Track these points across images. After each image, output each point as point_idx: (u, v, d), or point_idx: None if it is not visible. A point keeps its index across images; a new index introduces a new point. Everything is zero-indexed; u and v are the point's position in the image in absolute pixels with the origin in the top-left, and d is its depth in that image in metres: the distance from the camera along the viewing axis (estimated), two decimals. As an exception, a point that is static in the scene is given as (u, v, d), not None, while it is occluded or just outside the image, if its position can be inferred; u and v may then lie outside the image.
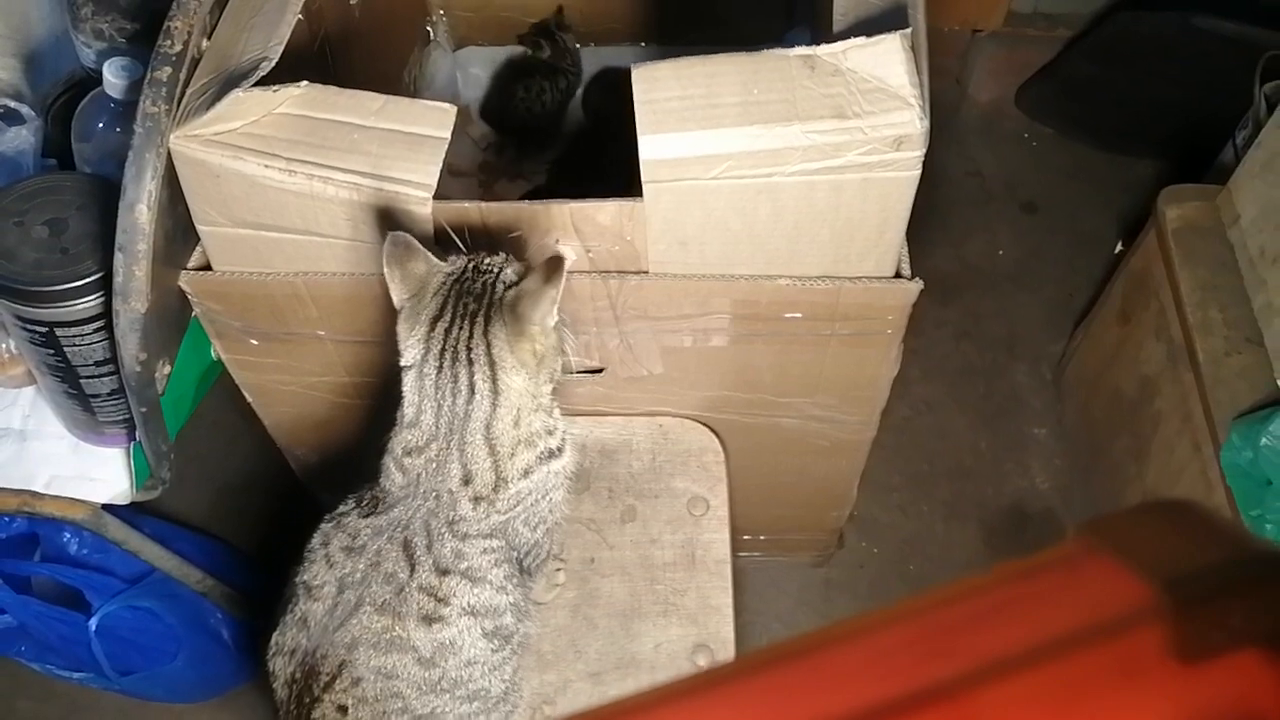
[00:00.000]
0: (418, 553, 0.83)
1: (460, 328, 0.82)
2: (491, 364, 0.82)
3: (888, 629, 0.29)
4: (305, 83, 0.88)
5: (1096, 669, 0.26)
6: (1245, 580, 0.27)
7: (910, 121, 0.82)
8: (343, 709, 0.83)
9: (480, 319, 0.82)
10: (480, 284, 0.83)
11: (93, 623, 1.17)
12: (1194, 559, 0.28)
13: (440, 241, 0.89)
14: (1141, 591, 0.27)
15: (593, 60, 1.80)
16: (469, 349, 0.82)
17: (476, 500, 0.83)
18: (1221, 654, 0.26)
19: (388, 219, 0.90)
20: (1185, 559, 0.28)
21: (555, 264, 0.81)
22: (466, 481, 0.83)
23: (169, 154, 0.87)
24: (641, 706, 0.28)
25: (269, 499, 1.57)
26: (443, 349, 0.82)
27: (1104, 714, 0.25)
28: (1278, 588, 0.27)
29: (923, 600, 0.29)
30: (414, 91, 1.69)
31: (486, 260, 0.85)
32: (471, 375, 0.82)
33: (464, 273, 0.84)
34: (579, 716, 0.28)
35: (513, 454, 0.84)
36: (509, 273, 0.84)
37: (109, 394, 1.02)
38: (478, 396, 0.82)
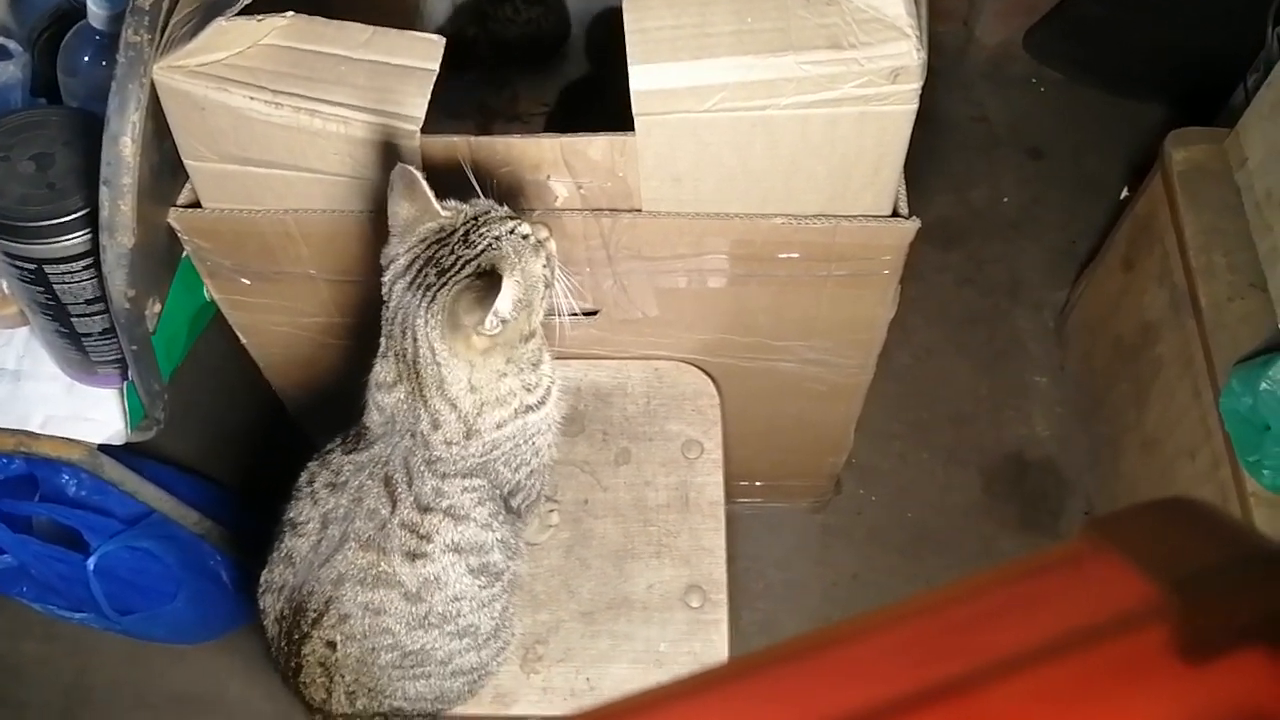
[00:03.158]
0: (399, 489, 0.83)
1: (413, 294, 0.79)
2: (430, 344, 0.79)
3: (892, 627, 0.29)
4: (291, 13, 0.87)
5: (1102, 668, 0.26)
6: (1251, 579, 0.27)
7: (907, 53, 0.80)
8: (331, 644, 0.84)
9: (430, 294, 0.79)
10: (454, 259, 0.79)
11: (91, 562, 1.18)
12: (1200, 558, 0.28)
13: (442, 175, 0.87)
14: (1147, 590, 0.27)
15: (594, 1, 1.77)
16: (414, 317, 0.79)
17: (449, 444, 0.82)
18: (1227, 653, 0.25)
19: (377, 153, 0.89)
20: (1191, 558, 0.28)
21: (493, 282, 0.76)
22: (436, 427, 0.82)
23: (153, 85, 0.86)
24: (644, 706, 0.27)
25: (268, 441, 1.57)
26: (398, 304, 0.80)
27: (1109, 713, 0.25)
28: None
29: (928, 599, 0.29)
30: (412, 25, 1.67)
31: (483, 229, 0.80)
32: (416, 342, 0.80)
33: (450, 235, 0.80)
34: (580, 717, 0.28)
35: (479, 413, 0.82)
36: (487, 259, 0.78)
37: (100, 333, 1.01)
38: (422, 363, 0.80)
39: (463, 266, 0.79)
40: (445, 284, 0.79)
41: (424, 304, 0.79)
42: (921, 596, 0.29)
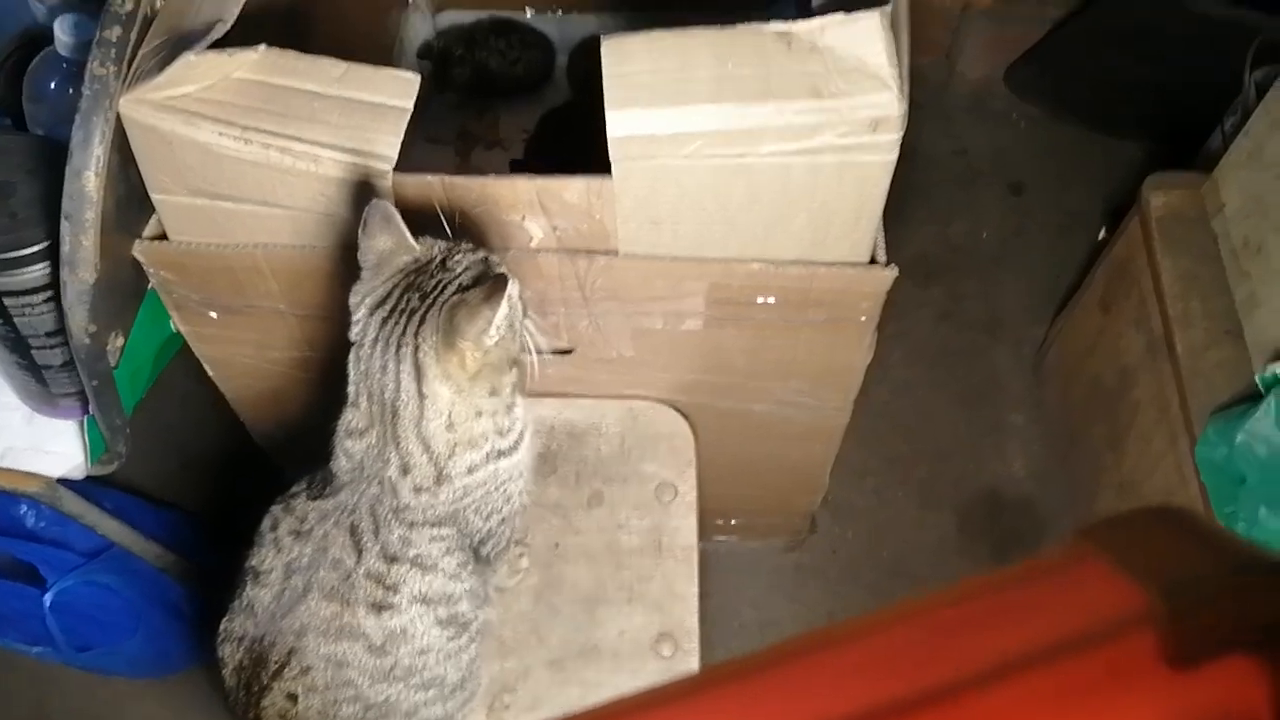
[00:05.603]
0: (364, 539, 0.81)
1: (396, 321, 0.79)
2: (417, 367, 0.78)
3: (883, 633, 0.29)
4: (263, 46, 0.85)
5: (1090, 674, 0.26)
6: (1238, 586, 0.27)
7: (888, 103, 0.79)
8: (292, 697, 0.81)
9: (416, 318, 0.78)
10: (435, 282, 0.79)
11: (47, 598, 1.15)
12: (1188, 565, 0.28)
13: (413, 215, 0.86)
14: (1135, 597, 0.27)
15: (577, 28, 1.77)
16: (399, 345, 0.78)
17: (418, 490, 0.81)
18: (1214, 660, 0.26)
19: (349, 191, 0.87)
20: (1179, 565, 0.28)
21: (498, 284, 0.76)
22: (405, 472, 0.80)
23: (119, 118, 0.84)
24: (639, 707, 0.28)
25: (240, 472, 1.54)
26: (376, 338, 0.79)
27: (1097, 719, 0.25)
28: (1270, 594, 0.27)
29: (918, 604, 0.29)
30: (390, 56, 1.65)
31: (459, 257, 0.80)
32: (399, 373, 0.79)
33: (428, 264, 0.80)
34: (577, 717, 0.28)
35: (451, 455, 0.81)
36: (468, 277, 0.79)
37: (61, 365, 0.99)
38: (404, 396, 0.79)
39: (445, 287, 0.79)
40: (433, 305, 0.78)
41: (411, 329, 0.78)
42: (911, 602, 0.29)
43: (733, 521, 1.45)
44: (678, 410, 1.13)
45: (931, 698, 0.25)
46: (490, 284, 0.76)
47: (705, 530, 1.35)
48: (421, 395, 0.78)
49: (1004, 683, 0.25)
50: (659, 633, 1.00)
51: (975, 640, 0.27)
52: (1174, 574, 0.27)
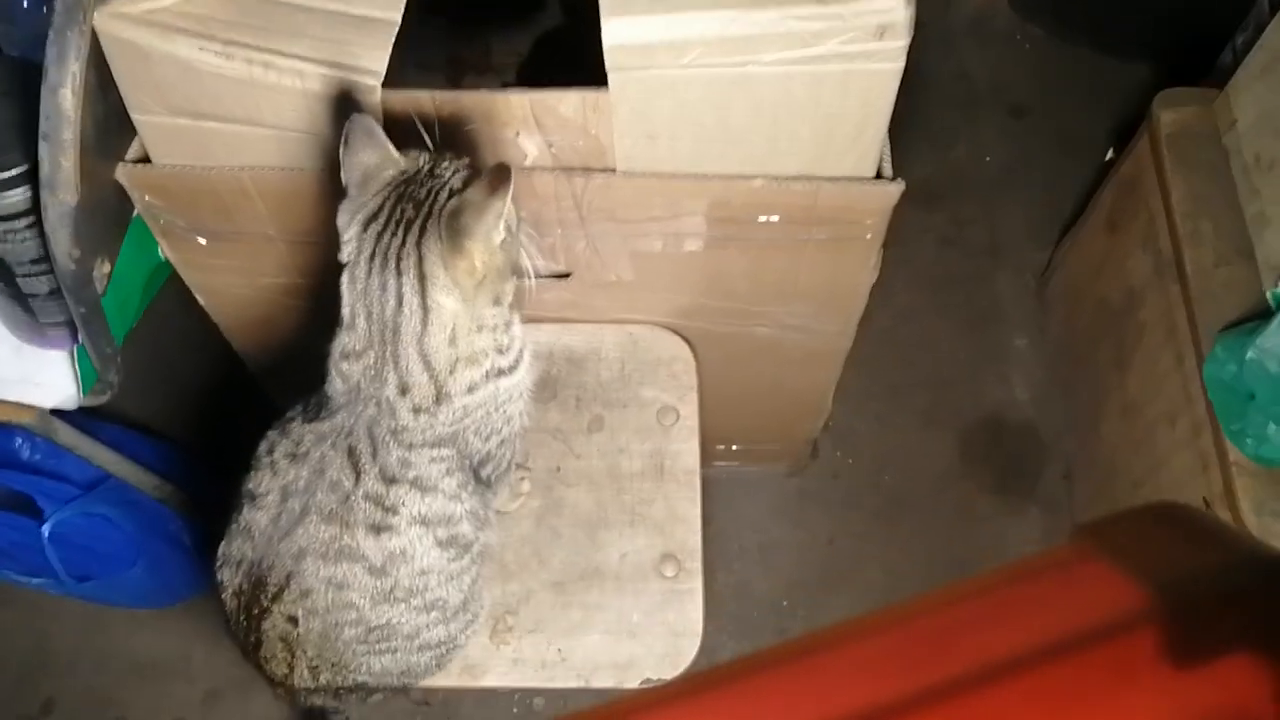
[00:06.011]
0: (363, 460, 0.79)
1: (393, 233, 0.76)
2: (421, 278, 0.76)
3: (886, 631, 0.29)
4: (243, -44, 0.81)
5: (1092, 673, 0.26)
6: (1240, 584, 0.27)
7: (894, 8, 0.76)
8: (293, 620, 0.81)
9: (415, 227, 0.76)
10: (426, 190, 0.76)
11: (45, 529, 1.14)
12: (1189, 563, 0.28)
13: (399, 133, 0.83)
14: (1137, 595, 0.27)
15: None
16: (399, 258, 0.76)
17: (417, 411, 0.79)
18: (1216, 658, 0.26)
19: (336, 108, 0.84)
20: (1181, 563, 0.28)
21: (501, 173, 0.73)
22: (404, 392, 0.79)
23: (95, 34, 0.81)
24: (642, 706, 0.28)
25: (230, 400, 1.53)
26: (373, 253, 0.76)
27: (1098, 717, 0.26)
28: (1272, 592, 0.27)
29: (921, 603, 0.29)
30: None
31: (445, 164, 0.79)
32: (400, 286, 0.76)
33: (415, 174, 0.78)
34: (580, 716, 0.28)
35: (452, 371, 0.79)
36: (458, 180, 0.77)
37: (48, 294, 0.97)
38: (406, 310, 0.76)
39: (438, 194, 0.76)
40: (430, 214, 0.76)
41: (411, 240, 0.76)
42: (915, 600, 0.29)
43: (734, 447, 1.44)
44: (679, 335, 1.12)
45: (934, 695, 0.25)
46: (491, 176, 0.73)
47: (707, 456, 1.34)
48: (425, 308, 0.76)
49: (1006, 681, 0.26)
50: (662, 554, 1.00)
51: (978, 638, 0.27)
52: (1176, 572, 0.27)
